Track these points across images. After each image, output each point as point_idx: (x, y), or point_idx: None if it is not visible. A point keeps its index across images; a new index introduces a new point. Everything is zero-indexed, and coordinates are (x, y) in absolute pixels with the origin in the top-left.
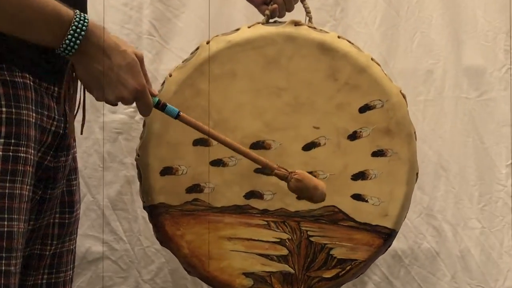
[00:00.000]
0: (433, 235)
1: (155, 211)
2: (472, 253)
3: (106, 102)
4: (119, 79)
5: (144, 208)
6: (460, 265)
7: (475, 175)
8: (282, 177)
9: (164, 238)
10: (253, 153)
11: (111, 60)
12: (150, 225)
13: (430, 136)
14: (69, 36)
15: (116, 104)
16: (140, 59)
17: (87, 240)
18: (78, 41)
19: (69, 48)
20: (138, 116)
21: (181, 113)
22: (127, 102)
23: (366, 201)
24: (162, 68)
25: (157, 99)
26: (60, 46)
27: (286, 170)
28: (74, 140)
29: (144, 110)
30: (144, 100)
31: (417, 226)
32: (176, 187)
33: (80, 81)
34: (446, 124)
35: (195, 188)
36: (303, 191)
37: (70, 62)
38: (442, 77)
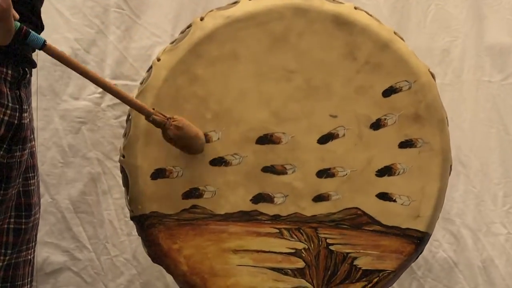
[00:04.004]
0: (450, 242)
1: (146, 222)
2: (496, 263)
3: None
4: None
5: (132, 218)
6: (482, 277)
7: (499, 172)
8: (159, 124)
9: (158, 254)
10: (127, 94)
11: None
12: (118, 231)
13: None
14: None
15: None
16: None
17: (45, 249)
18: None
19: None
20: (105, 104)
21: (47, 43)
22: None
23: (394, 200)
24: (133, 46)
25: (18, 24)
26: None
27: (164, 115)
28: (32, 132)
29: (3, 35)
30: (6, 22)
31: None
32: (170, 193)
33: None
34: (465, 112)
35: (193, 193)
36: (182, 139)
37: None
38: (460, 57)
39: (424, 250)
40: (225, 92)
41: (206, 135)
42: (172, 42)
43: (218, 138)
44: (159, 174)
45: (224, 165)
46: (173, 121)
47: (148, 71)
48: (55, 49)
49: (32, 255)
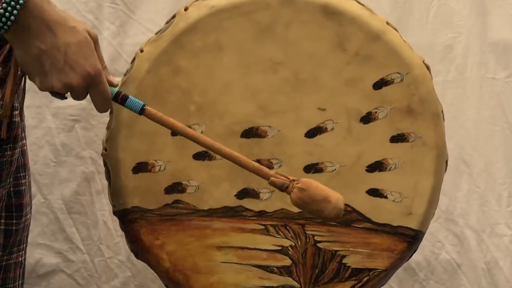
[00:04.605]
0: (453, 244)
1: (127, 217)
2: (500, 265)
3: (51, 92)
4: (67, 60)
5: (114, 213)
6: (486, 279)
7: (504, 171)
8: (281, 187)
9: (140, 249)
10: (243, 157)
11: (57, 37)
12: (113, 232)
13: (450, 124)
14: (4, 5)
15: (65, 96)
16: (94, 39)
17: (37, 250)
18: (15, 11)
19: (4, 20)
20: None
21: (146, 107)
22: (78, 92)
23: (385, 197)
24: (128, 42)
25: (116, 89)
26: None
27: (286, 177)
28: (23, 130)
29: (100, 102)
30: (99, 89)
31: (434, 233)
32: (153, 187)
33: (20, 65)
34: (469, 110)
35: (176, 188)
36: (308, 204)
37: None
38: (464, 54)
39: (426, 251)
40: (209, 84)
41: (189, 127)
42: (157, 33)
43: (202, 132)
44: (141, 168)
45: (208, 159)
46: (296, 184)
47: (132, 62)
48: (156, 113)
49: (23, 257)
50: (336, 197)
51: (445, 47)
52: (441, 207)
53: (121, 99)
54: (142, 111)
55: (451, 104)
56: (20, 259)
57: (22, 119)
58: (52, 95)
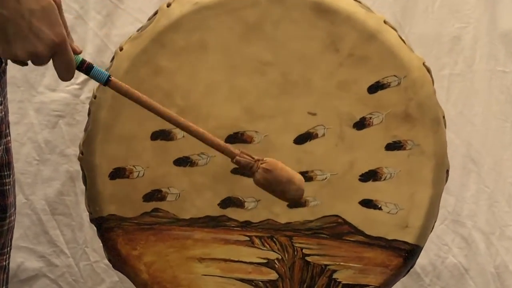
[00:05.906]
0: (460, 247)
1: (104, 225)
2: (510, 269)
3: (14, 60)
4: (31, 27)
5: (91, 220)
6: (495, 284)
7: None
8: (245, 167)
9: (117, 260)
10: (209, 134)
11: (20, 3)
12: None
13: (457, 120)
14: None
15: (26, 63)
16: (58, 4)
17: (19, 254)
18: None
19: None
20: (84, 96)
21: (112, 78)
22: (41, 60)
23: (379, 208)
24: (115, 33)
25: (80, 58)
26: None
27: (251, 157)
28: (8, 126)
29: (64, 70)
30: (64, 57)
31: (440, 236)
32: (130, 194)
33: None
34: (477, 105)
35: (156, 195)
36: (272, 185)
37: None
38: (472, 45)
39: (432, 255)
40: (192, 86)
41: (169, 132)
42: (138, 30)
43: (183, 136)
44: (118, 173)
45: (189, 165)
46: (261, 163)
47: (111, 61)
48: (122, 85)
49: (7, 261)
50: (299, 178)
51: (452, 38)
52: (448, 208)
53: (85, 68)
54: (107, 82)
55: (458, 98)
56: (4, 263)
57: (6, 114)
58: (12, 61)
